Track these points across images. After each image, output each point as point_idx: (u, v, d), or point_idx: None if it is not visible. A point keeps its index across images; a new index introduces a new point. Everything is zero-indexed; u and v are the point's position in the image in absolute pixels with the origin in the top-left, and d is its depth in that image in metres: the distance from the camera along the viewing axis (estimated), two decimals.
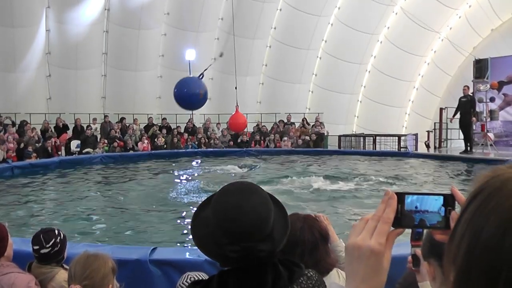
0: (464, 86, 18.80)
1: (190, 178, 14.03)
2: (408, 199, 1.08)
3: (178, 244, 6.92)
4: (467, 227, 0.88)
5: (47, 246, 3.64)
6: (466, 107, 18.20)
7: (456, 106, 18.69)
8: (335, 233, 3.48)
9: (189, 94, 12.35)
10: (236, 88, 16.97)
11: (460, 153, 18.22)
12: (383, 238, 1.04)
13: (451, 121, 19.20)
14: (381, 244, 1.03)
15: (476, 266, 0.84)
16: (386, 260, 1.04)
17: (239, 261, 1.73)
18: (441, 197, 1.08)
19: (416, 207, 1.08)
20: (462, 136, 19.09)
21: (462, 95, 18.56)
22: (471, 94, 19.15)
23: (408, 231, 1.18)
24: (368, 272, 1.03)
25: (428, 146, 22.74)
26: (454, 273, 0.88)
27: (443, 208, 1.07)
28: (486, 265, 0.82)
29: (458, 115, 18.52)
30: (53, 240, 3.67)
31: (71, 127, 22.93)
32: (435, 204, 1.08)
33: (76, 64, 24.49)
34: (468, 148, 18.27)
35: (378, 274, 1.04)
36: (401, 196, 1.07)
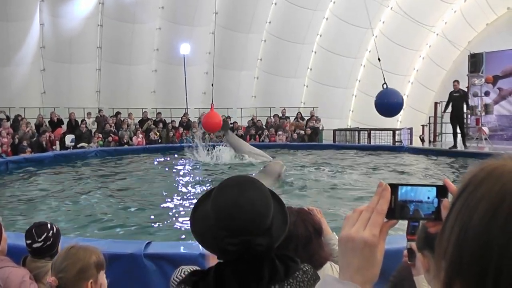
0: (454, 81, 18.67)
1: (185, 172, 14.03)
2: (402, 190, 1.08)
3: (176, 238, 6.92)
4: (456, 219, 0.88)
5: (39, 240, 3.61)
6: (459, 102, 18.18)
7: (446, 100, 18.64)
8: (328, 226, 3.48)
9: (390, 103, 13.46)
10: (212, 85, 16.76)
11: (450, 148, 18.19)
12: (377, 229, 1.04)
13: (442, 116, 19.18)
14: (374, 235, 1.03)
15: (467, 255, 0.84)
16: (379, 252, 1.05)
17: (237, 254, 1.73)
18: (434, 188, 1.08)
19: (409, 198, 1.08)
20: (454, 130, 19.00)
21: (452, 90, 18.49)
22: (463, 89, 19.11)
23: (402, 225, 1.18)
24: (362, 264, 1.03)
25: (422, 140, 22.80)
26: (445, 266, 0.88)
27: (436, 199, 1.07)
28: (476, 252, 0.82)
29: (449, 110, 18.48)
30: (45, 234, 3.64)
31: (65, 121, 22.87)
32: (428, 195, 1.08)
33: (70, 58, 24.43)
34: (462, 142, 18.28)
35: (372, 265, 1.04)
36: (394, 188, 1.07)
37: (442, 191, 1.08)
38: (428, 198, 1.08)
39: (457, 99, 18.13)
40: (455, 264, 0.86)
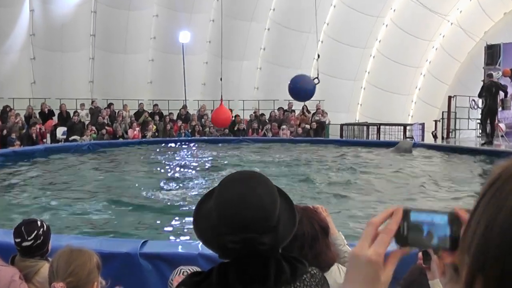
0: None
1: (184, 167, 14.03)
2: (413, 216, 1.07)
3: (171, 237, 6.93)
4: (483, 213, 0.88)
5: (29, 238, 3.59)
6: (491, 95, 18.36)
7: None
8: (334, 226, 3.47)
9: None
10: (221, 79, 16.79)
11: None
12: (383, 248, 1.05)
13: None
14: (379, 254, 1.05)
15: (492, 251, 0.84)
16: (386, 275, 1.06)
17: (239, 252, 1.73)
18: (446, 216, 1.06)
19: (422, 220, 1.07)
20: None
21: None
22: (495, 81, 18.98)
23: None
24: (365, 283, 1.05)
25: (435, 137, 22.76)
26: (468, 261, 0.88)
27: (448, 226, 1.06)
28: (501, 248, 0.82)
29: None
30: (36, 232, 3.62)
31: (56, 113, 22.87)
32: (441, 219, 1.07)
33: (62, 46, 24.37)
34: (490, 137, 18.48)
35: (374, 285, 1.05)
36: (406, 213, 1.07)
37: (453, 219, 1.06)
38: (441, 221, 1.07)
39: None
40: (479, 259, 0.86)
